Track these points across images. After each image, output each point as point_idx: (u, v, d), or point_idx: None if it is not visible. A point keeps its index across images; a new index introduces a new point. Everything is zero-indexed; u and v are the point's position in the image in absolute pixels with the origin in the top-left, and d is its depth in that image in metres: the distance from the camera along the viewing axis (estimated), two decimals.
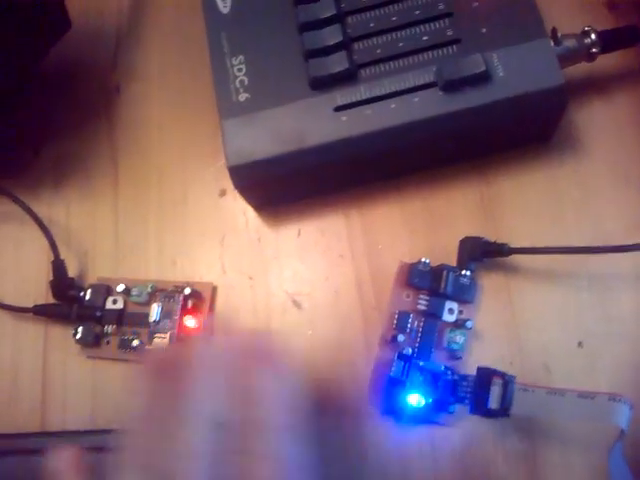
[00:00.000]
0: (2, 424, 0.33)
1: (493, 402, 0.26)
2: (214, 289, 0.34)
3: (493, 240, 0.31)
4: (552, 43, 0.30)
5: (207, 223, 0.35)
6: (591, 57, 0.31)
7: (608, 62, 0.33)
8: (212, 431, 0.21)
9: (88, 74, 0.39)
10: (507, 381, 0.26)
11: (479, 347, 0.31)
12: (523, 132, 0.32)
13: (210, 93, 0.36)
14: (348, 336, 0.32)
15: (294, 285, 0.33)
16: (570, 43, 0.31)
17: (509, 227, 0.32)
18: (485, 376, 0.26)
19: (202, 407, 0.21)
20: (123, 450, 0.21)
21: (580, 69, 0.32)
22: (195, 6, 0.37)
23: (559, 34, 0.31)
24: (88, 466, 0.24)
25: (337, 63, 0.30)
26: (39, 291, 0.35)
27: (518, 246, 0.30)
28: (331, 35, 0.30)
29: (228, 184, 0.35)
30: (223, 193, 0.35)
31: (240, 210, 0.35)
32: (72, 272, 0.34)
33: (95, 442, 0.30)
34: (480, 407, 0.26)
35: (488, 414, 0.26)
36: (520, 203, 0.33)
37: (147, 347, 0.32)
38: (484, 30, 0.30)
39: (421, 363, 0.28)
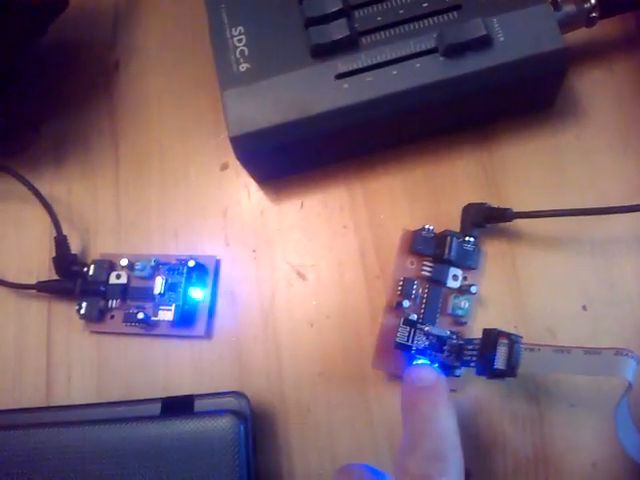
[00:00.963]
0: (7, 400, 0.33)
1: (500, 362, 0.26)
2: (218, 262, 0.34)
3: (495, 206, 0.31)
4: (552, 8, 0.30)
5: (209, 197, 0.35)
6: (590, 22, 0.31)
7: (608, 28, 0.33)
8: None
9: (87, 51, 0.39)
10: (513, 341, 0.26)
11: (483, 313, 0.31)
12: (525, 98, 0.32)
13: (209, 67, 0.36)
14: (353, 305, 0.32)
15: (298, 257, 0.33)
16: (569, 8, 0.31)
17: (511, 194, 0.32)
18: (491, 337, 0.26)
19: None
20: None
21: (580, 36, 0.32)
22: None
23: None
24: None
25: (338, 30, 0.30)
26: (41, 268, 0.35)
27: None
28: (331, 3, 0.30)
29: (229, 158, 0.35)
30: (225, 167, 0.35)
31: (242, 184, 0.35)
32: (75, 249, 0.34)
33: (100, 415, 0.30)
34: (487, 368, 0.26)
35: (495, 374, 0.26)
36: (522, 170, 0.33)
37: (153, 319, 0.32)
38: None
39: (426, 328, 0.28)
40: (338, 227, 0.33)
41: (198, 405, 0.29)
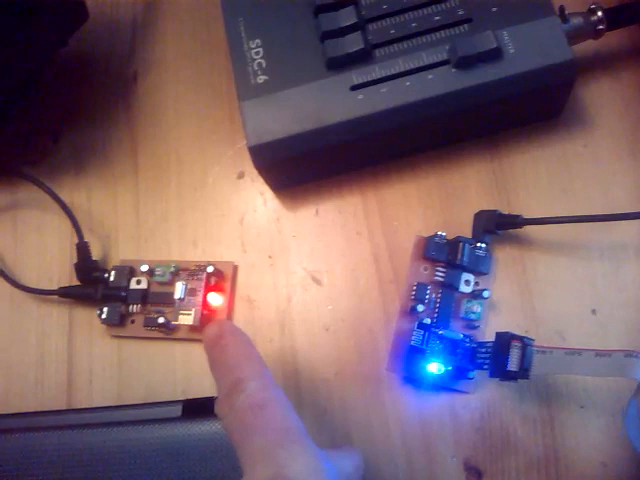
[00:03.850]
0: (30, 403, 0.34)
1: (512, 364, 0.27)
2: (235, 268, 0.34)
3: (506, 213, 0.31)
4: (560, 21, 0.31)
5: (226, 204, 0.36)
6: (598, 34, 0.32)
7: (614, 39, 0.34)
8: None
9: (105, 63, 0.40)
10: (525, 344, 0.27)
11: (495, 317, 0.32)
12: (534, 108, 0.33)
13: (226, 78, 0.37)
14: (367, 309, 0.33)
15: (313, 262, 0.34)
16: (577, 20, 0.32)
17: (521, 201, 0.33)
18: (504, 340, 0.27)
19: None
20: None
21: (587, 47, 0.33)
22: None
23: (566, 12, 0.31)
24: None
25: (353, 43, 0.31)
26: (62, 274, 0.36)
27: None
28: (346, 17, 0.31)
29: (246, 166, 0.36)
30: (241, 175, 0.36)
31: (258, 191, 0.36)
32: (95, 255, 0.35)
33: (122, 417, 0.31)
34: (500, 370, 0.27)
35: (508, 376, 0.27)
36: (531, 177, 0.33)
37: (173, 323, 0.33)
38: (494, 9, 0.31)
39: (440, 331, 0.29)
40: (352, 233, 0.34)
41: None
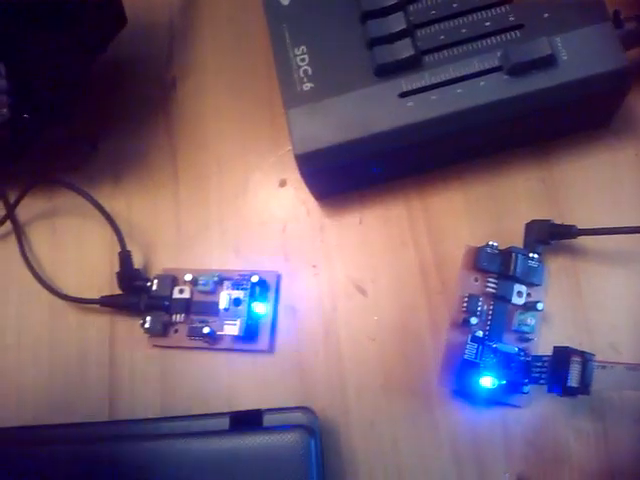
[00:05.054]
0: (71, 415, 0.34)
1: (573, 380, 0.26)
2: (279, 277, 0.34)
3: (559, 223, 0.31)
4: (613, 26, 0.30)
5: (268, 213, 0.35)
6: None
7: None
8: None
9: (144, 68, 0.40)
10: (586, 359, 0.26)
11: (547, 329, 0.31)
12: (585, 116, 0.32)
13: (267, 84, 0.37)
14: (414, 321, 0.32)
15: (358, 272, 0.34)
16: (632, 26, 0.31)
17: (572, 210, 0.32)
18: (563, 355, 0.27)
19: None
20: None
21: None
22: None
23: (621, 17, 0.31)
24: None
25: (402, 50, 0.30)
26: (102, 283, 0.36)
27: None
28: (395, 23, 0.31)
29: (288, 175, 0.36)
30: (283, 184, 0.36)
31: (300, 200, 0.35)
32: (136, 263, 0.35)
33: (168, 429, 0.31)
34: (559, 385, 0.26)
35: (568, 392, 0.26)
36: (582, 186, 0.33)
37: (219, 333, 0.32)
38: (546, 15, 0.31)
39: (495, 345, 0.29)
40: (397, 243, 0.34)
41: (266, 420, 0.30)
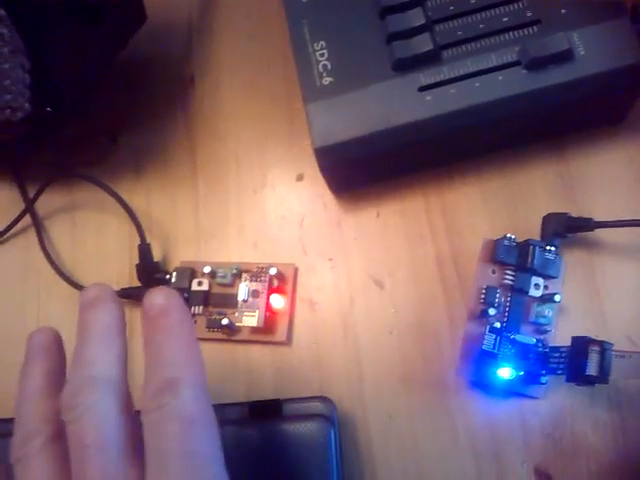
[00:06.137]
0: None
1: (592, 369, 0.26)
2: (296, 270, 0.34)
3: (576, 216, 0.31)
4: (631, 21, 0.31)
5: (286, 207, 0.36)
6: None
7: None
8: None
9: (162, 65, 0.40)
10: (605, 348, 0.26)
11: (564, 321, 0.31)
12: (601, 111, 0.33)
13: (284, 80, 0.37)
14: (431, 313, 0.33)
15: (375, 265, 0.34)
16: None
17: (588, 203, 0.33)
18: (581, 345, 0.27)
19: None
20: None
21: None
22: None
23: (639, 12, 0.31)
24: None
25: (421, 44, 0.31)
26: (120, 275, 0.36)
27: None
28: (414, 18, 0.31)
29: (305, 169, 0.36)
30: (300, 178, 0.36)
31: (317, 194, 0.36)
32: (155, 256, 0.35)
33: None
34: (578, 375, 0.27)
35: (586, 381, 0.26)
36: (598, 180, 0.33)
37: (237, 324, 0.32)
38: (563, 11, 0.31)
39: (513, 336, 0.29)
40: (414, 236, 0.34)
41: (286, 409, 0.30)
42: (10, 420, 0.23)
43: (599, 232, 0.31)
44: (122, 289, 0.35)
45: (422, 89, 0.31)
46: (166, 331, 0.22)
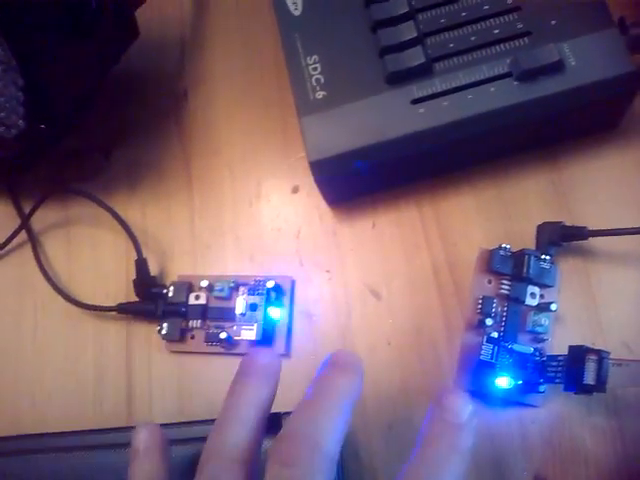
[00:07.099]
0: (89, 421, 0.34)
1: (589, 378, 0.26)
2: (293, 282, 0.34)
3: (570, 224, 0.31)
4: (620, 32, 0.31)
5: (282, 219, 0.36)
6: None
7: None
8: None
9: (155, 80, 0.40)
10: (602, 357, 0.27)
11: (560, 329, 0.31)
12: (593, 119, 0.33)
13: (276, 92, 0.38)
14: (429, 323, 0.33)
15: (372, 276, 0.34)
16: (637, 31, 0.32)
17: (582, 212, 0.33)
18: (578, 353, 0.27)
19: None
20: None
21: None
22: (256, 9, 0.39)
23: (627, 23, 0.31)
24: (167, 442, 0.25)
25: (414, 57, 0.31)
26: (117, 290, 0.36)
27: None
28: (406, 31, 0.31)
29: (300, 181, 0.36)
30: (296, 190, 0.36)
31: (313, 206, 0.36)
32: (152, 271, 0.35)
33: (183, 434, 0.31)
34: (575, 384, 0.27)
35: (584, 390, 0.27)
36: (591, 188, 0.33)
37: (235, 338, 0.32)
38: (553, 22, 0.31)
39: (510, 345, 0.29)
40: (410, 246, 0.34)
41: None
42: None
43: (594, 240, 0.32)
44: (120, 304, 0.35)
45: (415, 102, 0.31)
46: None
